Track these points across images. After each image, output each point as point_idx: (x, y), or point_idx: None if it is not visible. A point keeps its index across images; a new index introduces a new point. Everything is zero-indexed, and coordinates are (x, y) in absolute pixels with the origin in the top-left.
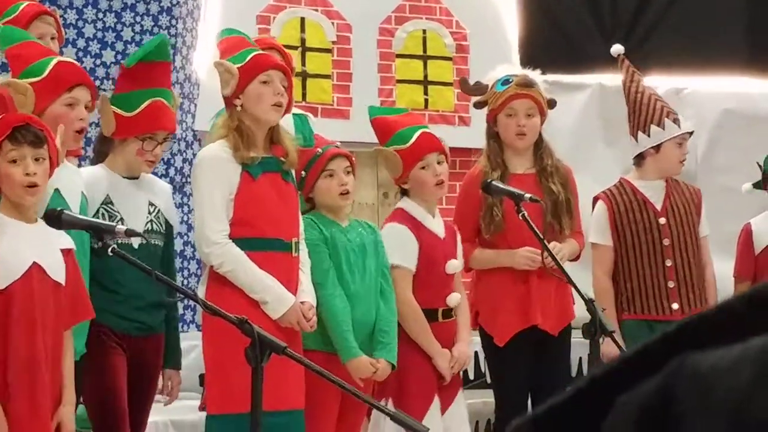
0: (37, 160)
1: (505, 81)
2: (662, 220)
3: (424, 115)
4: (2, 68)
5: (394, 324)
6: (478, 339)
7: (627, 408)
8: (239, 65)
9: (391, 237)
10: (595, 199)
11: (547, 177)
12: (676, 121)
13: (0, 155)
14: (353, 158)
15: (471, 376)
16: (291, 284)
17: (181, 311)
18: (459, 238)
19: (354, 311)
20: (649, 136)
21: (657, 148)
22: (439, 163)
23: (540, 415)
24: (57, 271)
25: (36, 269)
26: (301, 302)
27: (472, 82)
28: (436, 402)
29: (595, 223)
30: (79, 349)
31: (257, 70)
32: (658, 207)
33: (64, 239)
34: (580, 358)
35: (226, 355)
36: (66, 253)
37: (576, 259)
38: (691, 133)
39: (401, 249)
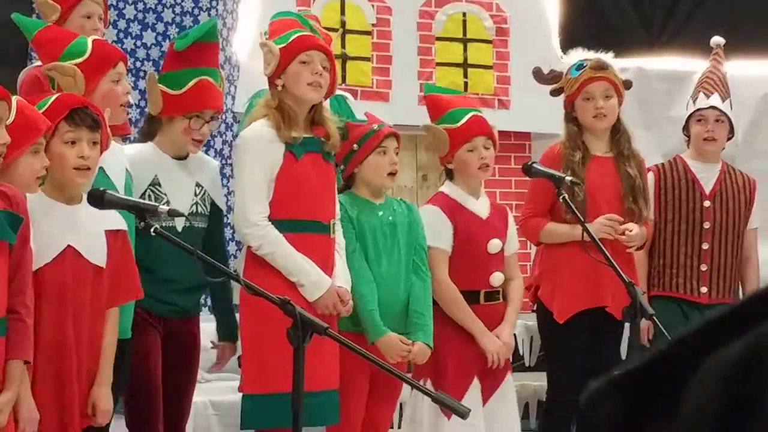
0: (94, 143)
1: (579, 66)
2: (707, 204)
3: None
4: None
5: (430, 305)
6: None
7: (715, 368)
8: (281, 46)
9: (425, 219)
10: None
11: (625, 161)
12: (708, 96)
13: (56, 135)
14: (400, 139)
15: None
16: (327, 266)
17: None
18: (511, 219)
19: (383, 292)
20: (686, 109)
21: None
22: (486, 147)
23: (619, 378)
24: (95, 254)
25: (70, 252)
26: (338, 286)
27: (514, 65)
28: (476, 384)
29: None
30: (123, 331)
31: (298, 49)
32: (707, 190)
33: (113, 220)
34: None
35: (263, 335)
36: (113, 234)
37: (642, 247)
38: (720, 112)
39: (434, 230)
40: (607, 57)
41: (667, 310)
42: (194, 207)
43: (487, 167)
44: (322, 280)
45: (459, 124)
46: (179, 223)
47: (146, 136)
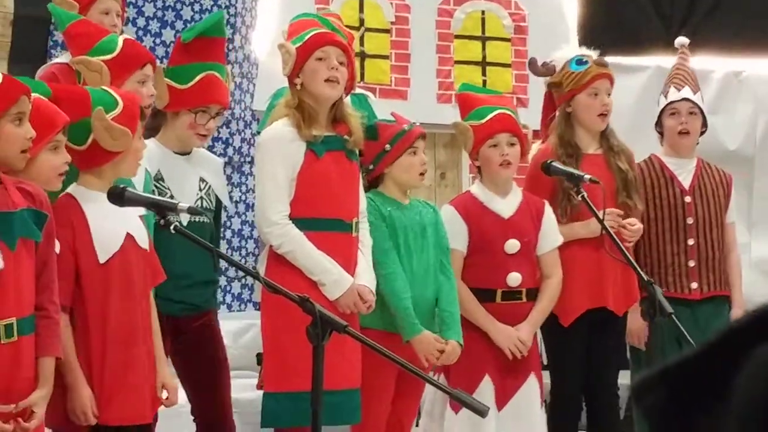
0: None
1: (580, 61)
2: (688, 199)
3: None
4: (62, 46)
5: (457, 304)
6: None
7: (765, 359)
8: (298, 45)
9: (444, 219)
10: None
11: (615, 156)
12: (679, 89)
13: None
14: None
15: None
16: (349, 265)
17: (238, 290)
18: (547, 215)
19: (413, 291)
20: (658, 105)
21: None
22: (511, 144)
23: (668, 368)
24: (143, 238)
25: (129, 239)
26: (360, 285)
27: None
28: (488, 383)
29: None
30: None
31: (313, 47)
32: (686, 185)
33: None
34: None
35: (284, 333)
36: (142, 218)
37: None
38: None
39: (449, 231)
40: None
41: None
42: (199, 201)
43: (509, 164)
44: (343, 279)
45: (483, 120)
46: (184, 218)
47: (150, 131)
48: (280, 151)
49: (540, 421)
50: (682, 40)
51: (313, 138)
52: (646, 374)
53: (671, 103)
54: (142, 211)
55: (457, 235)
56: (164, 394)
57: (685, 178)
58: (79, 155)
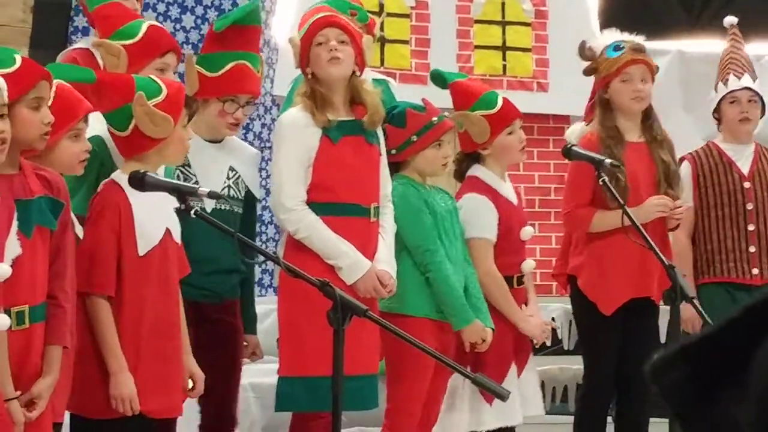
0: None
1: (616, 47)
2: (747, 185)
3: (502, 81)
4: (83, 32)
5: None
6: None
7: None
8: (302, 36)
9: (473, 208)
10: (681, 160)
11: (658, 146)
12: (739, 77)
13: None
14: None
15: (548, 343)
16: (368, 250)
17: (258, 275)
18: (522, 204)
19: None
20: (716, 92)
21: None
22: (521, 127)
23: (688, 345)
24: (177, 232)
25: (167, 234)
26: (379, 269)
27: (553, 48)
28: (513, 369)
29: None
30: None
31: (313, 33)
32: (745, 171)
33: (172, 199)
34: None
35: (301, 318)
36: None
37: (676, 227)
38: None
39: (483, 220)
40: (655, 42)
41: (716, 297)
42: (225, 190)
43: (525, 150)
44: (360, 262)
45: (496, 109)
46: (209, 206)
47: None
48: (296, 136)
49: (540, 399)
50: (730, 20)
51: (328, 123)
52: (664, 353)
53: (732, 91)
54: (175, 203)
55: (489, 224)
56: (190, 384)
57: (744, 164)
58: (122, 141)
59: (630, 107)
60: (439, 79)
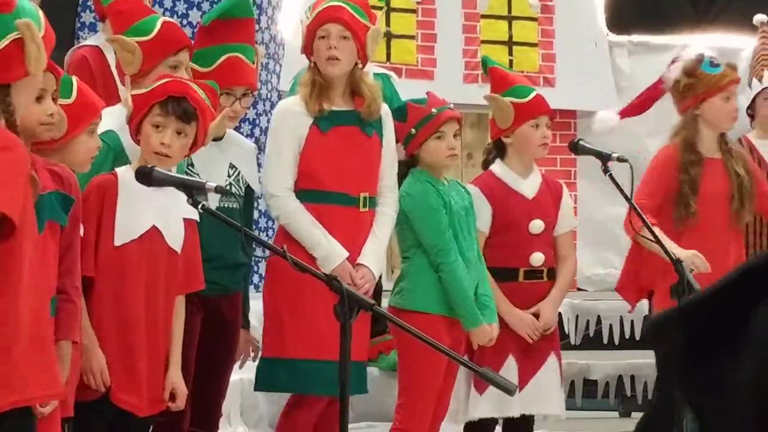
0: (179, 133)
1: (712, 63)
2: None
3: None
4: (90, 28)
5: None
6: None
7: None
8: (306, 25)
9: None
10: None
11: (734, 161)
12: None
13: (148, 116)
14: (462, 121)
15: None
16: (353, 240)
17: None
18: (565, 197)
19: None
20: (750, 88)
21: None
22: (547, 126)
23: (686, 307)
24: (174, 238)
25: (154, 232)
26: (359, 264)
27: (560, 43)
28: (512, 363)
29: None
30: None
31: (316, 26)
32: None
33: (189, 209)
34: None
35: (282, 301)
36: (189, 222)
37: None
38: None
39: (475, 212)
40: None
41: None
42: (228, 187)
43: (546, 146)
44: (333, 254)
45: (526, 99)
46: (212, 202)
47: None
48: (287, 125)
49: (559, 400)
50: (760, 18)
51: (319, 113)
52: (661, 316)
53: (766, 88)
54: (190, 215)
55: (480, 216)
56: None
57: None
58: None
59: (725, 125)
60: (484, 65)
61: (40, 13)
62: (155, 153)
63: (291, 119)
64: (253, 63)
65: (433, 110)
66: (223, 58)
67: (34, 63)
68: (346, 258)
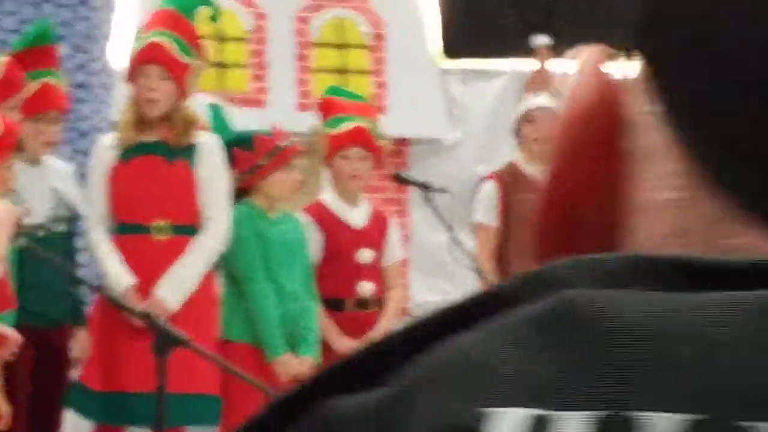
0: None
1: None
2: None
3: None
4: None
5: (317, 320)
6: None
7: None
8: (131, 55)
9: None
10: None
11: None
12: None
13: None
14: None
15: None
16: (149, 269)
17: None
18: (392, 229)
19: (282, 308)
20: None
21: None
22: (361, 159)
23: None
24: None
25: None
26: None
27: (392, 70)
28: None
29: None
30: None
31: (137, 63)
32: None
33: None
34: None
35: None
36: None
37: None
38: None
39: None
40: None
41: None
42: (53, 211)
43: (357, 178)
44: (117, 282)
45: (336, 130)
46: (40, 230)
47: None
48: (98, 160)
49: None
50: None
51: (125, 143)
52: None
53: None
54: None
55: (311, 244)
56: None
57: None
58: None
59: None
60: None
61: None
62: None
63: (101, 153)
64: (63, 87)
65: (283, 143)
66: (36, 85)
67: None
68: (134, 285)
